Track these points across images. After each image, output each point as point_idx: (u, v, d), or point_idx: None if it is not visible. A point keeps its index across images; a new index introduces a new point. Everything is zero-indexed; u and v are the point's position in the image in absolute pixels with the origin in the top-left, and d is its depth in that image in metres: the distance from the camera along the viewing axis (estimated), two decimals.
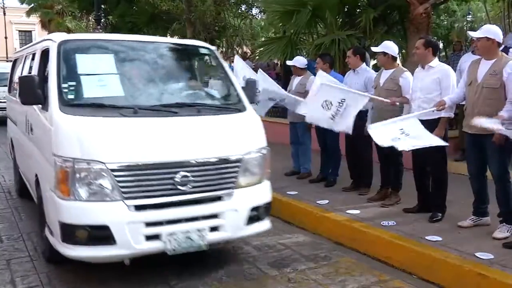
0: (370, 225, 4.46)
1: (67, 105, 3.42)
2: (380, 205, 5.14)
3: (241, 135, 3.74)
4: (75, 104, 3.49)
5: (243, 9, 18.45)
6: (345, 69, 7.17)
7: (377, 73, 5.52)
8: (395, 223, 4.49)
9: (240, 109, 3.95)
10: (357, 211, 4.89)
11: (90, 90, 3.63)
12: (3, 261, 3.96)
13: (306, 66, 6.53)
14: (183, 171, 3.34)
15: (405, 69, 5.22)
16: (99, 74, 3.77)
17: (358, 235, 4.40)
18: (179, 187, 3.33)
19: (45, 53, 4.06)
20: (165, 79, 4.10)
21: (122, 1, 17.53)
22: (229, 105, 4.06)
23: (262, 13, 18.23)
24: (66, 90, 3.52)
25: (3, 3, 36.50)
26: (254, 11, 18.90)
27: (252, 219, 3.66)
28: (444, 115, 4.51)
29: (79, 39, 4.19)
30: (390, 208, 5.03)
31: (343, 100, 5.00)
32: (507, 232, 4.03)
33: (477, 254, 3.66)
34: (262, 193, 3.80)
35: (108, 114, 3.39)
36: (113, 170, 3.18)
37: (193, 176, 3.37)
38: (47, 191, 3.47)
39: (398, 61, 5.58)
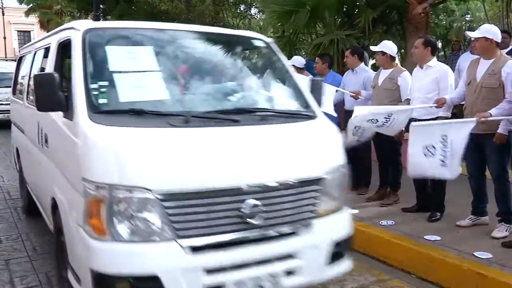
0: (369, 225, 4.47)
1: (98, 112, 2.62)
2: (379, 205, 5.15)
3: (319, 149, 2.93)
4: (109, 110, 2.68)
5: (242, 9, 18.45)
6: (343, 68, 7.17)
7: (375, 72, 5.53)
8: (394, 223, 4.49)
9: (310, 115, 3.15)
10: (356, 211, 4.89)
11: (127, 92, 2.83)
12: (2, 261, 3.95)
13: (305, 66, 6.54)
14: (252, 198, 2.55)
15: (404, 68, 5.23)
16: (137, 72, 2.98)
17: (357, 234, 4.35)
18: (247, 219, 2.53)
19: (64, 46, 3.33)
20: (217, 77, 3.34)
21: (121, 1, 17.53)
22: (297, 110, 3.23)
23: (261, 13, 18.23)
24: (96, 93, 2.72)
25: (2, 3, 36.52)
26: (253, 11, 18.90)
27: (334, 257, 2.86)
28: (442, 114, 4.52)
29: (109, 27, 3.35)
30: (389, 208, 5.04)
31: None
32: (506, 231, 4.03)
33: (476, 254, 3.66)
34: (344, 223, 3.01)
35: (152, 123, 2.60)
36: (163, 200, 2.37)
37: (264, 205, 2.57)
38: (72, 224, 2.66)
39: (397, 61, 5.60)
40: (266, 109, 3.13)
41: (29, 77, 4.45)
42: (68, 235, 2.78)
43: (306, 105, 3.26)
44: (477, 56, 4.29)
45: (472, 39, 4.41)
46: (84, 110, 2.62)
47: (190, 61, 3.29)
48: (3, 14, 36.26)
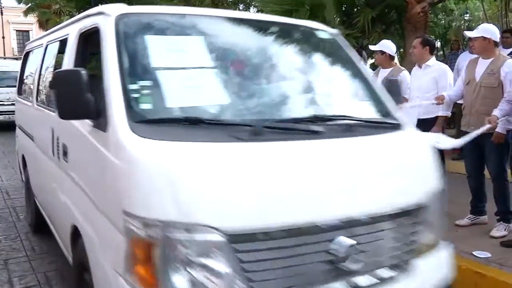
0: None
1: (141, 121, 1.99)
2: None
3: (416, 169, 2.32)
4: (155, 119, 2.04)
5: (241, 8, 18.48)
6: None
7: (374, 71, 5.54)
8: None
9: (395, 124, 2.52)
10: None
11: (176, 94, 2.20)
12: (1, 261, 3.95)
13: None
14: (345, 236, 1.93)
15: (403, 68, 5.23)
16: (187, 68, 2.36)
17: None
18: (341, 264, 1.91)
19: (87, 37, 2.73)
20: (281, 76, 2.64)
21: (120, 0, 17.53)
22: (380, 118, 2.59)
23: (260, 13, 18.25)
24: (136, 95, 2.09)
25: (1, 3, 36.47)
26: (252, 10, 18.93)
27: None
28: (442, 114, 4.53)
29: (147, 12, 2.57)
30: None
31: None
32: (505, 230, 4.04)
33: (475, 253, 3.67)
34: (445, 262, 2.36)
35: (212, 137, 1.96)
36: (233, 242, 1.75)
37: (359, 244, 1.95)
38: (106, 267, 2.05)
39: (396, 60, 5.60)
40: (347, 116, 2.43)
41: (39, 75, 3.99)
42: (100, 279, 2.16)
43: (386, 112, 2.63)
44: (476, 56, 4.29)
45: (471, 38, 4.41)
46: (123, 118, 1.99)
47: (248, 55, 2.62)
48: (1, 13, 36.23)
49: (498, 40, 4.15)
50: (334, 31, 3.09)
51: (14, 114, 5.75)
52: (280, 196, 1.86)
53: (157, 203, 1.77)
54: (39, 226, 4.32)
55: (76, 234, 2.53)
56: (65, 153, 2.78)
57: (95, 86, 2.19)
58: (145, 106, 2.10)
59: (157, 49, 2.33)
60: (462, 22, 23.01)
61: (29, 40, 7.04)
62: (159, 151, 1.85)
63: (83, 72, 2.14)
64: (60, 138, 2.90)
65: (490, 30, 4.09)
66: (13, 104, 6.78)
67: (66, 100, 2.15)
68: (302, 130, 2.15)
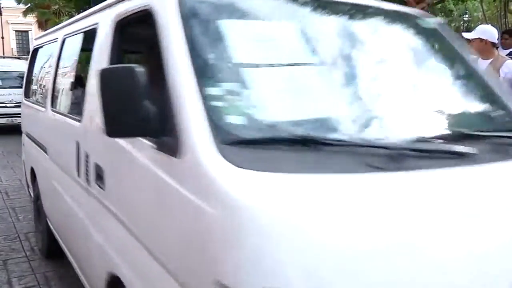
0: None
1: (233, 142, 1.37)
2: None
3: None
4: (253, 140, 1.41)
5: None
6: None
7: None
8: None
9: None
10: None
11: (276, 103, 1.60)
12: (0, 261, 3.95)
13: None
14: None
15: None
16: (284, 66, 1.77)
17: None
18: None
19: (131, 25, 2.13)
20: (401, 78, 1.98)
21: None
22: None
23: None
24: (221, 104, 1.48)
25: (0, 3, 36.48)
26: None
27: None
28: None
29: None
30: None
31: None
32: None
33: None
34: None
35: (341, 165, 1.38)
36: None
37: None
38: None
39: None
40: (491, 131, 1.85)
41: (55, 76, 3.35)
42: None
43: None
44: (475, 56, 4.31)
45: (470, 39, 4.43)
46: (205, 138, 1.38)
47: (360, 49, 1.96)
48: (0, 14, 36.21)
49: (495, 41, 4.17)
50: (439, 19, 2.52)
51: (17, 116, 5.56)
52: (450, 255, 1.29)
53: (279, 276, 1.17)
54: (52, 251, 3.70)
55: (114, 283, 1.96)
56: (99, 177, 2.14)
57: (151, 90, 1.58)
58: (235, 119, 1.45)
59: (240, 39, 1.71)
60: (461, 22, 23.09)
61: (28, 41, 6.99)
62: (276, 191, 1.23)
63: (139, 70, 1.49)
64: (91, 157, 2.25)
65: (487, 32, 4.11)
66: (16, 106, 6.59)
67: (115, 110, 1.51)
68: (450, 152, 1.51)
